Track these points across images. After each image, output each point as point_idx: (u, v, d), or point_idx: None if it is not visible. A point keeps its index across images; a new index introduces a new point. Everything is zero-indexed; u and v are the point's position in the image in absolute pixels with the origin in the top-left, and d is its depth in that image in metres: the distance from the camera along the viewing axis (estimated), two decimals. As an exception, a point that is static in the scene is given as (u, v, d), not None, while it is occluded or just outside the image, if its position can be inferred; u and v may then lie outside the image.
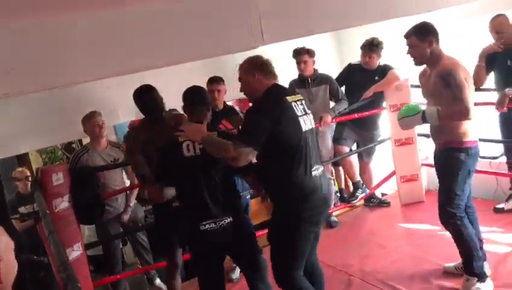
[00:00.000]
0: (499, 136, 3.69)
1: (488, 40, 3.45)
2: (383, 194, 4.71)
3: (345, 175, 4.46)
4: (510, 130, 3.54)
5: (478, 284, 2.61)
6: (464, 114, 2.41)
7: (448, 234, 2.69)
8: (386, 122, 4.17)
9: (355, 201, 4.28)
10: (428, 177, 4.32)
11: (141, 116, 4.54)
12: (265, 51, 2.48)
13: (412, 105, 2.68)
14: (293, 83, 3.93)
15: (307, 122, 2.25)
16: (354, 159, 4.30)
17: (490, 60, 3.41)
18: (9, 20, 1.92)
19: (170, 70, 3.86)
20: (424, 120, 2.53)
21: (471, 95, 2.48)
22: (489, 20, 3.39)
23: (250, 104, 2.57)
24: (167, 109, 4.23)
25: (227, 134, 2.51)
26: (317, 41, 4.87)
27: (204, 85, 3.44)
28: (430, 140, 4.48)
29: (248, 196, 3.72)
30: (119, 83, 3.96)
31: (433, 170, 4.18)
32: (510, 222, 3.49)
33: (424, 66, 2.65)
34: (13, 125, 3.84)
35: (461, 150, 2.53)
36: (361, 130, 4.16)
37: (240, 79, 2.37)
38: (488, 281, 2.64)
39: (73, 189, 2.92)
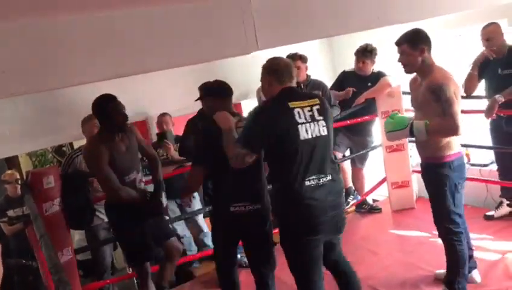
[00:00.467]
0: (489, 143, 3.72)
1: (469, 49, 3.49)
2: (374, 201, 4.73)
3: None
4: (500, 138, 3.57)
5: None
6: (453, 130, 2.36)
7: (439, 240, 2.70)
8: (377, 129, 4.20)
9: (347, 207, 4.29)
10: (420, 184, 4.33)
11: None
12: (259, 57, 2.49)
13: (399, 118, 2.59)
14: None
15: (311, 130, 2.17)
16: (346, 165, 4.32)
17: (481, 68, 3.45)
18: (1, 20, 1.91)
19: (163, 74, 3.87)
20: (412, 134, 2.47)
21: (460, 109, 2.45)
22: (480, 29, 3.43)
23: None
24: (159, 113, 4.25)
25: None
26: (309, 48, 4.91)
27: (196, 89, 3.45)
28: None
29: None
30: (111, 86, 3.94)
31: (425, 176, 4.20)
32: (500, 229, 3.52)
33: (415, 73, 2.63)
34: (3, 127, 3.80)
35: (443, 165, 2.48)
36: (355, 136, 4.18)
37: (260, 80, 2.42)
38: None
39: (64, 193, 2.90)
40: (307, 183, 2.15)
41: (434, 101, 2.39)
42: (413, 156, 4.31)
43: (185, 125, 3.52)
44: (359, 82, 4.05)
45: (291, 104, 2.18)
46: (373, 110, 4.10)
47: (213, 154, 2.37)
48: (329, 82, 4.21)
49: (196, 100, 2.97)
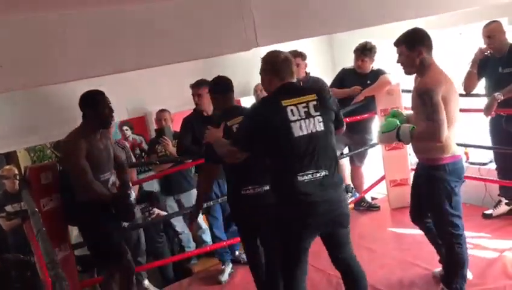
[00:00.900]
0: (489, 142, 3.72)
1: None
2: (372, 198, 4.73)
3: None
4: (500, 137, 3.57)
5: None
6: (435, 138, 2.32)
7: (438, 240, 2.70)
8: (376, 127, 4.19)
9: (345, 205, 4.29)
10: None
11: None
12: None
13: (392, 120, 2.59)
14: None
15: (306, 126, 2.18)
16: (345, 162, 4.32)
17: (482, 66, 3.45)
18: (0, 15, 1.90)
19: (162, 70, 3.85)
20: (398, 138, 2.48)
21: (455, 112, 2.42)
22: (482, 26, 3.42)
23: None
24: (158, 109, 4.24)
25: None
26: (309, 45, 4.90)
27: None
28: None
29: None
30: (110, 82, 3.93)
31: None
32: (498, 227, 3.52)
33: None
34: (2, 122, 3.79)
35: (439, 168, 2.46)
36: (353, 134, 4.18)
37: None
38: None
39: (62, 188, 2.89)
40: (301, 178, 2.17)
41: (421, 105, 2.37)
42: (412, 154, 4.32)
43: (181, 124, 3.51)
44: (358, 80, 4.04)
45: (284, 102, 2.20)
46: (372, 108, 4.09)
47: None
48: (328, 80, 4.20)
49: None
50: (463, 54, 3.70)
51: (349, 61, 4.16)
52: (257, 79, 4.99)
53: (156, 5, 2.31)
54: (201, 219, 4.19)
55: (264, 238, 2.66)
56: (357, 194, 4.40)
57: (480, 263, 2.96)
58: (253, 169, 2.50)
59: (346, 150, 4.35)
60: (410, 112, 2.69)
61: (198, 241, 4.21)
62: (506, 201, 3.68)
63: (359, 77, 4.05)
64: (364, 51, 3.95)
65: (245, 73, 5.03)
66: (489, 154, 3.96)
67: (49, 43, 2.06)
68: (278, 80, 2.28)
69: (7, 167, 4.08)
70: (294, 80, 2.36)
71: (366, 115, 4.08)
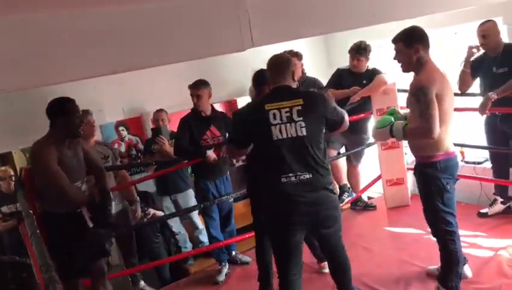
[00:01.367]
0: (484, 141, 3.73)
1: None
2: (369, 198, 4.74)
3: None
4: (495, 136, 3.58)
5: None
6: (427, 134, 2.33)
7: (433, 238, 2.71)
8: (372, 126, 4.20)
9: (341, 204, 4.29)
10: (414, 182, 4.34)
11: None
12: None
13: (387, 117, 2.62)
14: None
15: (286, 131, 2.28)
16: (342, 162, 4.32)
17: (476, 66, 3.45)
18: (-6, 16, 1.89)
19: (159, 70, 3.84)
20: (391, 134, 2.51)
21: (449, 110, 2.44)
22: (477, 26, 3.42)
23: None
24: (154, 109, 4.23)
25: None
26: (305, 45, 4.91)
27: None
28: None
29: (231, 199, 3.71)
30: (105, 83, 3.93)
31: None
32: (493, 226, 3.53)
33: None
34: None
35: (431, 165, 2.48)
36: (350, 134, 4.16)
37: None
38: None
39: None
40: (284, 180, 2.29)
41: (415, 102, 2.39)
42: (408, 154, 4.32)
43: (178, 124, 3.50)
44: (354, 80, 4.04)
45: (268, 106, 2.31)
46: (368, 108, 4.10)
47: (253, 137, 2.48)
48: (324, 80, 4.20)
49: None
50: (458, 54, 3.70)
51: (344, 62, 4.17)
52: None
53: (152, 6, 2.31)
54: (198, 219, 4.19)
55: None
56: (354, 194, 4.40)
57: (476, 261, 2.97)
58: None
59: (343, 150, 4.36)
60: (408, 110, 2.70)
61: (195, 241, 4.21)
62: (502, 200, 3.70)
63: (355, 77, 4.05)
64: (360, 50, 3.96)
65: (241, 73, 5.04)
66: (485, 154, 3.97)
67: (44, 44, 2.06)
68: (272, 83, 2.45)
69: (3, 168, 4.08)
70: (290, 83, 2.43)
71: (362, 115, 4.09)
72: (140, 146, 4.76)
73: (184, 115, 3.55)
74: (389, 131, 2.51)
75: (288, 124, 2.28)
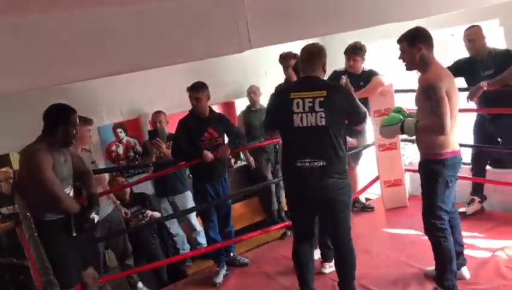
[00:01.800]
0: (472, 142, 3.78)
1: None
2: (367, 199, 4.75)
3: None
4: (483, 137, 3.69)
5: None
6: (439, 130, 2.42)
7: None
8: (370, 128, 4.21)
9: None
10: (412, 183, 4.36)
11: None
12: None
13: (395, 114, 2.70)
14: (280, 88, 3.92)
15: (306, 120, 2.45)
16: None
17: (462, 67, 3.50)
18: (-9, 18, 1.89)
19: (157, 72, 3.83)
20: (402, 131, 2.58)
21: (456, 106, 2.51)
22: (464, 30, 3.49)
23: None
24: (152, 111, 4.23)
25: None
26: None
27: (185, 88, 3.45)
28: (414, 145, 4.54)
29: (229, 201, 3.71)
30: (103, 85, 3.92)
31: (417, 175, 4.22)
32: (490, 227, 3.54)
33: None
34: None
35: (438, 162, 2.55)
36: (348, 135, 4.18)
37: None
38: None
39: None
40: (300, 164, 2.49)
41: (425, 100, 2.47)
42: (405, 155, 4.34)
43: (177, 125, 3.50)
44: (351, 81, 4.01)
45: (293, 95, 2.51)
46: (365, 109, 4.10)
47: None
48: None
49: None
50: (455, 55, 3.71)
51: (341, 63, 4.17)
52: (250, 81, 5.04)
53: (150, 7, 2.31)
54: (196, 221, 4.19)
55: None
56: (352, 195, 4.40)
57: (473, 263, 2.98)
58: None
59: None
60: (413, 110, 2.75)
61: (193, 243, 4.21)
62: (479, 199, 3.78)
63: (352, 78, 4.03)
64: (355, 50, 3.97)
65: (238, 75, 5.04)
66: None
67: (41, 45, 2.05)
68: (302, 71, 2.62)
69: (3, 169, 4.07)
70: (320, 73, 2.57)
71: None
72: (138, 148, 4.76)
73: (182, 116, 3.55)
74: (399, 128, 2.59)
75: (310, 114, 2.44)
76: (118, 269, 3.91)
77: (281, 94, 2.77)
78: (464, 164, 4.06)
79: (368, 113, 2.64)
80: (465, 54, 3.59)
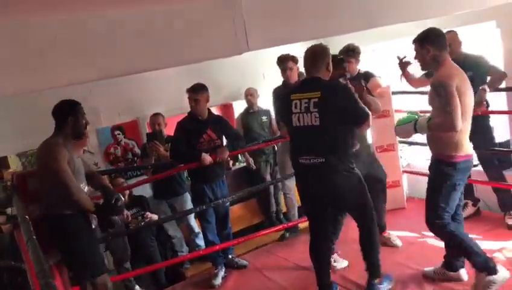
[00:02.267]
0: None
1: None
2: (365, 201, 4.74)
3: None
4: (479, 139, 3.64)
5: (489, 277, 2.59)
6: (450, 127, 2.44)
7: (428, 240, 2.72)
8: (368, 130, 4.20)
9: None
10: (410, 184, 4.37)
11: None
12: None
13: (409, 115, 2.74)
14: (278, 90, 3.93)
15: (303, 119, 2.56)
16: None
17: None
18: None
19: (156, 75, 3.85)
20: (415, 130, 2.61)
21: (469, 107, 2.52)
22: None
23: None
24: (150, 113, 4.23)
25: None
26: (300, 48, 4.91)
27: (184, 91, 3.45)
28: (412, 147, 4.57)
29: (227, 203, 3.71)
30: (101, 87, 3.92)
31: (415, 177, 4.23)
32: (488, 229, 3.54)
33: None
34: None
35: (449, 164, 2.57)
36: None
37: None
38: (502, 271, 2.62)
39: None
40: (302, 161, 2.64)
41: (436, 97, 2.51)
42: (403, 157, 4.34)
43: (175, 128, 3.50)
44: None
45: (292, 96, 2.62)
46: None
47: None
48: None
49: None
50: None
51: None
52: (248, 83, 5.03)
53: (148, 11, 2.32)
54: (194, 223, 4.19)
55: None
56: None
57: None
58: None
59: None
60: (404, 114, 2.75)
61: (191, 245, 4.20)
62: (472, 202, 3.80)
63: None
64: (349, 52, 3.95)
65: (237, 77, 5.04)
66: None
67: (39, 48, 2.06)
68: (306, 72, 2.73)
69: (10, 170, 4.07)
70: (323, 74, 2.62)
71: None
72: (137, 150, 4.75)
73: (181, 119, 3.55)
74: (413, 126, 2.63)
75: (305, 114, 2.55)
76: (115, 272, 3.90)
77: (282, 96, 2.94)
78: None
79: (370, 115, 2.64)
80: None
